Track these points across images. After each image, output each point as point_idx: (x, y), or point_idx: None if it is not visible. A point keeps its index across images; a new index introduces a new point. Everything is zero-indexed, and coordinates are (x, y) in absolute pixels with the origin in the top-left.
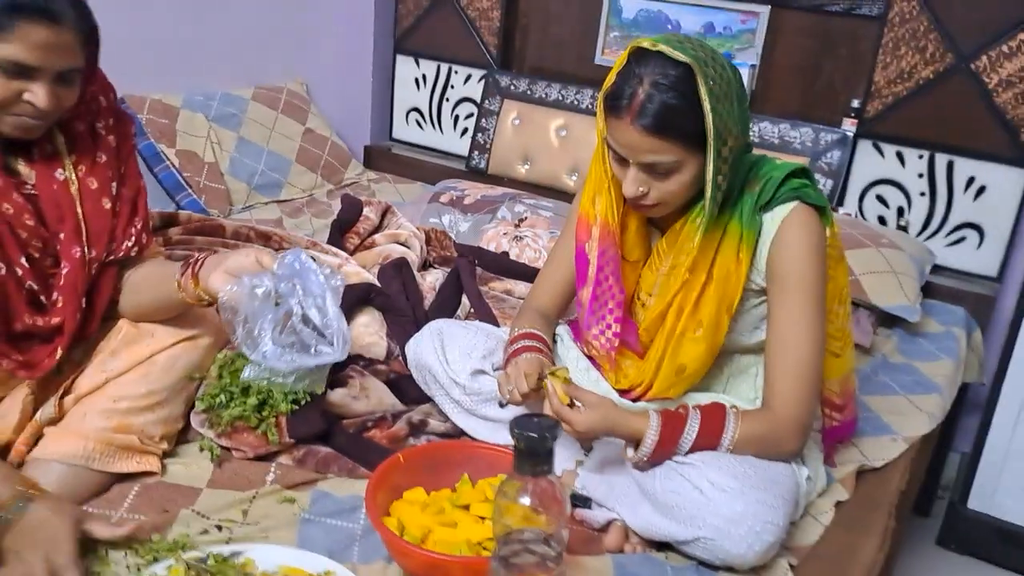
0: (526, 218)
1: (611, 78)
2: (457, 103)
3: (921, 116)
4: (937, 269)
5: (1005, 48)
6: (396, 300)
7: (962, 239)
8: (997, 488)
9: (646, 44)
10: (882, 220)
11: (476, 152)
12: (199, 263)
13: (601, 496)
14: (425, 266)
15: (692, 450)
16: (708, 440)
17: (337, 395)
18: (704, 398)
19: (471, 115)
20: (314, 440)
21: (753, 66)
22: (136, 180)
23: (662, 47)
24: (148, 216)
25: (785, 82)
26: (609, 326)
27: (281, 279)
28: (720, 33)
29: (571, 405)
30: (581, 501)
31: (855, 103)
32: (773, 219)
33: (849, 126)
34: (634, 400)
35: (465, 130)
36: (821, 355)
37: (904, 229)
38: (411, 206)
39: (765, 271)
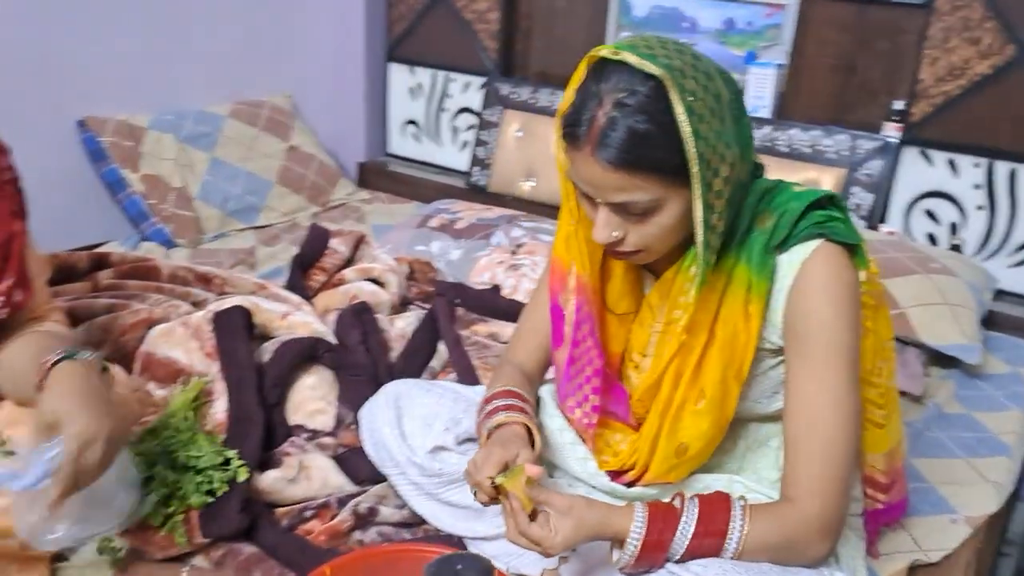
0: (524, 244)
1: (567, 96)
2: (456, 114)
3: (977, 118)
4: (999, 295)
5: None
6: (353, 354)
7: None
8: None
9: (606, 52)
10: (932, 239)
11: (476, 168)
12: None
13: None
14: (405, 304)
15: (688, 554)
16: (708, 542)
17: (268, 479)
18: (713, 480)
19: (471, 127)
20: (237, 536)
21: (781, 66)
22: (5, 224)
23: (626, 55)
24: (24, 268)
25: (817, 83)
26: (587, 398)
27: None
28: (742, 30)
29: (534, 514)
30: None
31: (898, 105)
32: (791, 262)
33: (892, 132)
34: (628, 485)
35: (465, 143)
36: (855, 432)
37: (958, 249)
38: (398, 231)
39: (782, 327)
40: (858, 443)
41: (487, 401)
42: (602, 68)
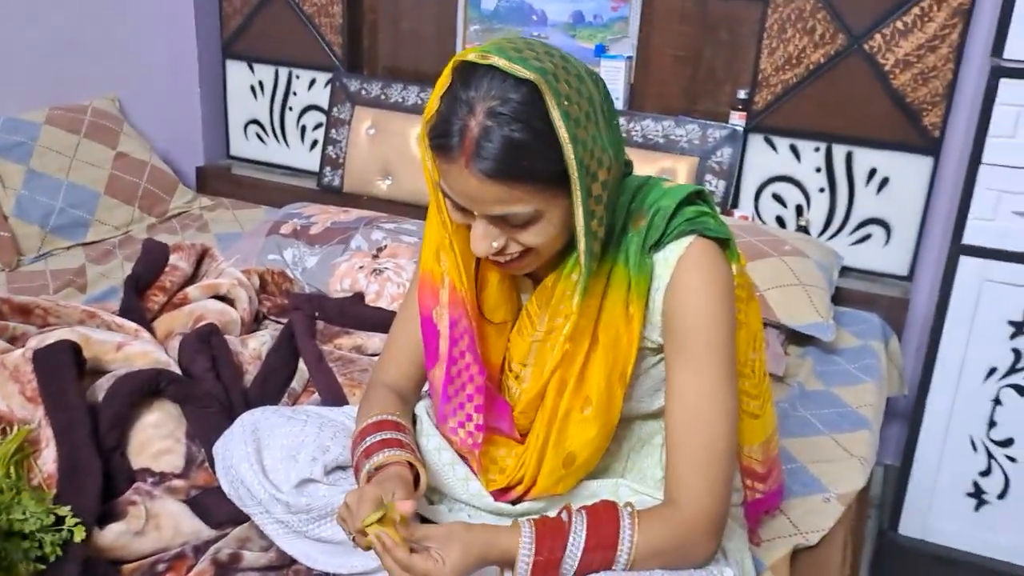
0: (386, 246)
1: (432, 103)
2: (302, 112)
3: (814, 104)
4: (843, 271)
5: (900, 24)
6: (201, 383)
7: (868, 236)
8: (930, 510)
9: (473, 56)
10: (780, 221)
11: (328, 168)
12: None
13: None
14: (258, 321)
15: (581, 570)
16: (600, 556)
17: (111, 534)
18: (599, 487)
19: (320, 125)
20: None
21: (629, 58)
22: None
23: (495, 59)
24: None
25: (665, 74)
26: (470, 417)
27: None
28: (591, 23)
29: (412, 550)
30: None
31: (742, 94)
32: (666, 260)
33: (737, 120)
34: (514, 502)
35: (315, 143)
36: (734, 428)
37: (804, 230)
38: (247, 240)
39: (661, 325)
40: (737, 437)
41: (361, 436)
42: (470, 73)
